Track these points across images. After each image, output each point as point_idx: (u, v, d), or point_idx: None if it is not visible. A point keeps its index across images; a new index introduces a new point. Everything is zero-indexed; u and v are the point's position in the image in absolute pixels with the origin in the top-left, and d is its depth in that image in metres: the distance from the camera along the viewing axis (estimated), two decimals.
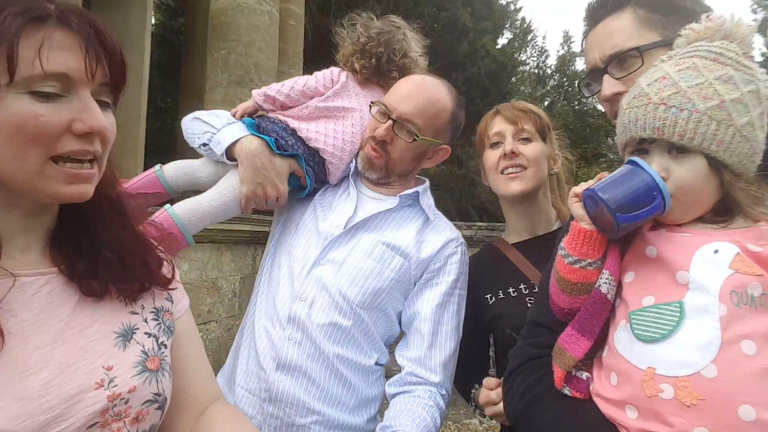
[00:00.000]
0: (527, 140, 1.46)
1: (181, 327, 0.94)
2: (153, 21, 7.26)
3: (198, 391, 0.94)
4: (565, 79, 16.19)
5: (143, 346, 0.83)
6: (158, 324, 0.88)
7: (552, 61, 16.85)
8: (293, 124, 1.45)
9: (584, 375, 0.91)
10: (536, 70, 16.69)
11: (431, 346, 1.30)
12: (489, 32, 12.72)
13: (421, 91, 1.36)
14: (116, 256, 0.82)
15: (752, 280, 0.77)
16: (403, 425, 1.15)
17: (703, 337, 0.77)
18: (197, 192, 1.44)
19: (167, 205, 1.35)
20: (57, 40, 0.69)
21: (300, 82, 1.51)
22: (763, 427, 0.72)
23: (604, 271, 0.90)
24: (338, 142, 1.46)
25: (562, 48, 16.55)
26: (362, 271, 1.31)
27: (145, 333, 0.85)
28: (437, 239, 1.38)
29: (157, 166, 1.49)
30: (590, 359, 0.92)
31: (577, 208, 0.95)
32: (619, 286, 0.91)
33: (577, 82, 1.29)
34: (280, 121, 1.48)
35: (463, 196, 11.13)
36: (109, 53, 0.74)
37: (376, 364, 1.36)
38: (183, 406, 0.91)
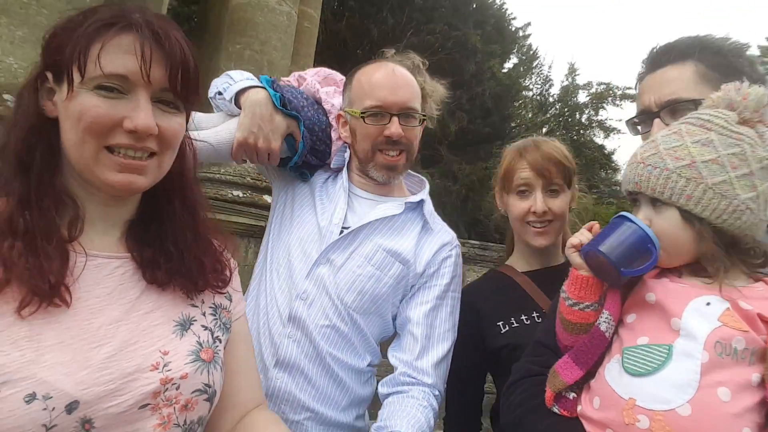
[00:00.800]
0: (555, 192, 1.46)
1: (237, 329, 0.99)
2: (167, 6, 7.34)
3: (245, 394, 0.98)
4: (566, 110, 16.45)
5: (199, 337, 0.88)
6: (215, 319, 0.93)
7: (555, 90, 17.13)
8: (320, 93, 1.50)
9: (571, 395, 1.00)
10: (539, 97, 16.94)
11: (424, 348, 1.32)
12: (497, 55, 12.92)
13: (399, 76, 1.37)
14: (177, 250, 0.89)
15: (737, 334, 0.86)
16: (398, 426, 1.17)
17: (683, 378, 0.86)
18: None
19: None
20: (121, 44, 0.78)
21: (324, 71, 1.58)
22: None
23: (604, 311, 1.00)
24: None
25: (566, 79, 16.84)
26: (361, 277, 1.33)
27: (202, 326, 0.90)
28: (433, 243, 1.40)
29: None
30: (580, 386, 1.01)
31: (575, 258, 1.04)
32: (621, 323, 1.00)
33: (624, 120, 1.33)
34: (306, 92, 1.53)
35: (455, 212, 11.25)
36: (169, 58, 0.80)
37: (369, 365, 1.39)
38: (229, 407, 0.95)
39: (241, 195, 4.82)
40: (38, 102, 0.82)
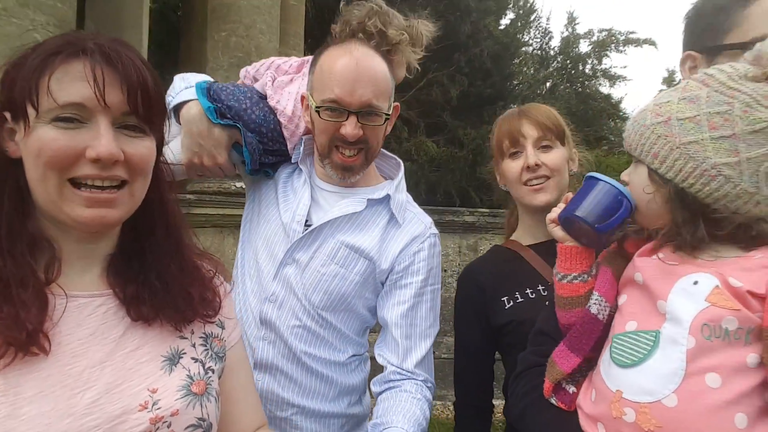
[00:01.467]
0: (547, 148, 1.43)
1: (233, 356, 0.96)
2: None
3: (245, 422, 0.96)
4: (568, 62, 15.98)
5: (189, 370, 0.85)
6: (206, 350, 0.90)
7: (555, 42, 16.62)
8: (267, 89, 1.43)
9: (571, 389, 0.98)
10: (539, 52, 16.47)
11: (407, 350, 1.30)
12: (492, 13, 12.51)
13: (362, 69, 1.24)
14: (162, 283, 0.85)
15: (728, 314, 0.79)
16: (395, 421, 1.15)
17: (668, 368, 0.81)
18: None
19: None
20: (71, 72, 0.74)
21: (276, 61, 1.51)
22: None
23: (594, 292, 0.96)
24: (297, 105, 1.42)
25: (566, 30, 16.30)
26: (325, 276, 1.29)
27: (192, 358, 0.86)
28: (403, 237, 1.34)
29: None
30: (582, 375, 0.98)
31: (557, 232, 1.05)
32: (616, 307, 0.96)
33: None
34: (248, 86, 1.46)
35: (464, 178, 11.11)
36: (125, 79, 0.76)
37: (353, 356, 1.38)
38: None
39: (244, 186, 4.76)
40: (0, 144, 0.79)
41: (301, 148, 1.42)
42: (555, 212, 1.06)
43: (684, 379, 0.79)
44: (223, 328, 0.95)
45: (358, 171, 1.33)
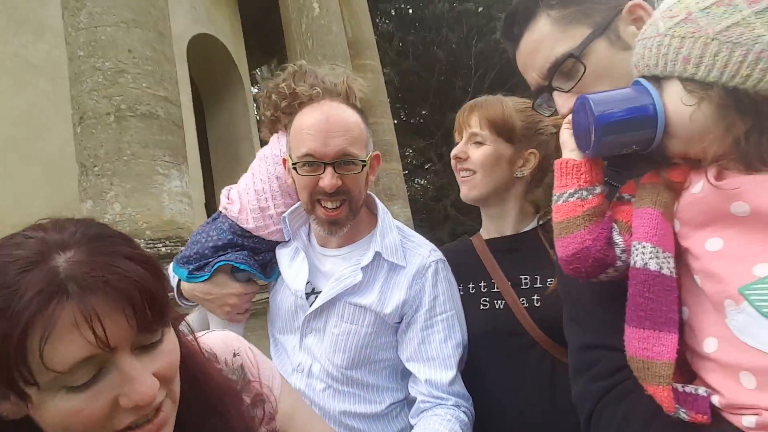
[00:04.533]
0: (478, 144, 1.39)
1: (284, 407, 0.93)
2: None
3: None
4: None
5: None
6: None
7: None
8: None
9: (702, 390, 0.68)
10: None
11: (431, 382, 1.26)
12: None
13: (333, 120, 1.25)
14: None
15: None
16: None
17: None
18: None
19: None
20: (60, 330, 0.58)
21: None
22: None
23: (644, 243, 0.72)
24: (253, 205, 1.44)
25: None
26: (340, 336, 1.30)
27: None
28: (404, 280, 1.31)
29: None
30: (689, 372, 0.73)
31: (564, 135, 0.85)
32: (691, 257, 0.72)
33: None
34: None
35: None
36: (128, 301, 0.62)
37: (392, 404, 1.34)
38: None
39: None
40: None
41: (288, 225, 1.42)
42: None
43: None
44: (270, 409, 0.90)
45: (344, 224, 1.31)
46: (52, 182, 4.35)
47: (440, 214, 10.73)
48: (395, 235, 1.36)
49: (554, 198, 0.84)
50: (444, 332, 1.30)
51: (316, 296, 1.35)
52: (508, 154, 1.38)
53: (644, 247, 0.72)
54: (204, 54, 6.85)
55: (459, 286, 1.40)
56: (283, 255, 1.46)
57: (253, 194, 1.46)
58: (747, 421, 0.63)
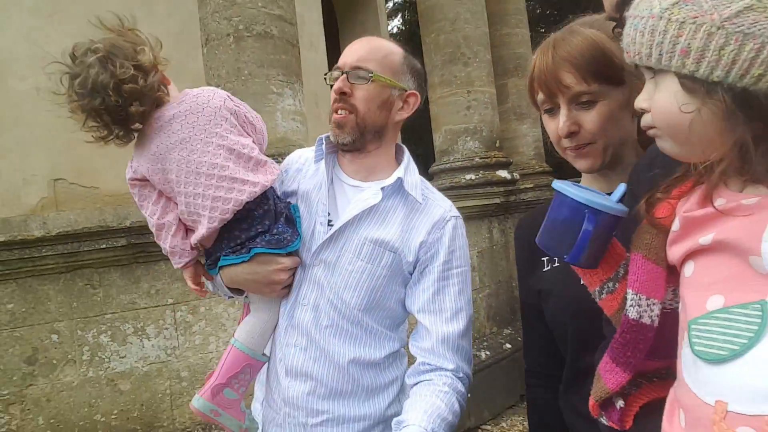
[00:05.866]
0: (587, 104, 1.05)
1: None
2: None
3: None
4: None
5: None
6: None
7: None
8: None
9: (619, 403, 0.74)
10: None
11: (437, 336, 1.26)
12: None
13: (365, 42, 1.35)
14: None
15: None
16: (412, 419, 1.14)
17: None
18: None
19: (233, 339, 1.36)
20: None
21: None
22: None
23: (628, 291, 0.71)
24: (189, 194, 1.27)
25: None
26: (354, 273, 1.28)
27: None
28: (423, 225, 1.31)
29: (232, 339, 1.37)
30: (635, 386, 0.74)
31: None
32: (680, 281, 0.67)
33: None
34: None
35: None
36: None
37: (389, 353, 1.33)
38: None
39: (474, 177, 4.81)
40: None
41: (323, 146, 1.39)
42: None
43: None
44: None
45: (350, 130, 1.31)
46: None
47: None
48: (419, 178, 1.37)
49: (593, 295, 0.82)
50: (459, 285, 1.30)
51: (330, 226, 1.35)
52: (621, 101, 1.06)
53: (627, 293, 0.72)
54: None
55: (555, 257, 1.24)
56: (305, 186, 1.46)
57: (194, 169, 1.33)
58: None
